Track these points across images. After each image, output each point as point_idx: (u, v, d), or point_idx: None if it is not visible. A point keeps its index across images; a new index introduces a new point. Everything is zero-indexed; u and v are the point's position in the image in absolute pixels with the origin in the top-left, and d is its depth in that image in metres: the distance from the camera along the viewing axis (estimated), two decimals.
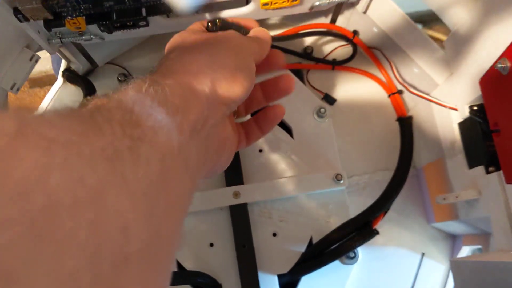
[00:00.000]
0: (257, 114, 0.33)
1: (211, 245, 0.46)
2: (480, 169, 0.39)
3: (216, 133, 0.25)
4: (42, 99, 0.54)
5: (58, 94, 0.53)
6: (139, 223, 0.15)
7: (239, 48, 0.26)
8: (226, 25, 0.30)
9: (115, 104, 0.18)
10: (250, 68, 0.26)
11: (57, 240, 0.12)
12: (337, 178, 0.46)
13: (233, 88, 0.24)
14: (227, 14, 0.45)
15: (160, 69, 0.24)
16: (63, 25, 0.40)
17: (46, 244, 0.11)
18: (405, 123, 0.50)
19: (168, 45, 0.29)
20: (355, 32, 0.52)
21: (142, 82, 0.20)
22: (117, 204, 0.14)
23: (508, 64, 0.32)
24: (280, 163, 0.49)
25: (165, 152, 0.18)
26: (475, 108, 0.39)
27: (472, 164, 0.40)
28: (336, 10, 0.51)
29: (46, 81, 1.29)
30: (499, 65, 0.32)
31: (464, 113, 0.40)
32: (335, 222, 0.47)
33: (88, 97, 0.19)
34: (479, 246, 0.45)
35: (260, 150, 0.49)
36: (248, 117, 0.34)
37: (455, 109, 0.42)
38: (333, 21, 0.53)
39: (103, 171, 0.14)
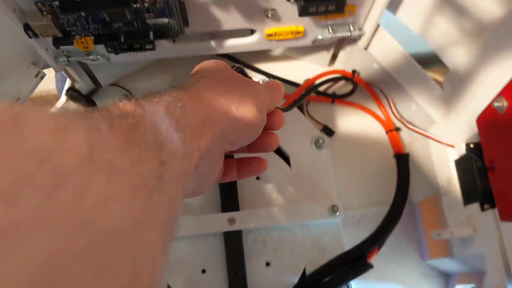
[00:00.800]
0: (242, 159, 0.34)
1: (203, 271, 0.46)
2: (475, 206, 0.39)
3: (210, 164, 0.26)
4: None
5: None
6: (163, 256, 0.16)
7: (261, 99, 0.28)
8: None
9: (149, 123, 0.18)
10: (263, 119, 0.27)
11: (107, 275, 0.12)
12: (333, 209, 0.46)
13: (244, 132, 0.26)
14: (233, 43, 0.46)
15: (191, 90, 0.24)
16: (72, 44, 0.41)
17: (101, 277, 0.12)
18: (402, 160, 0.51)
19: (202, 66, 0.29)
20: (354, 72, 0.54)
21: (173, 100, 0.21)
22: (151, 237, 0.15)
23: (505, 103, 0.32)
24: (276, 191, 0.49)
25: (177, 181, 0.18)
26: (471, 145, 0.39)
27: (467, 201, 0.41)
28: (338, 45, 0.52)
29: (48, 101, 1.30)
30: (496, 104, 0.33)
31: (461, 150, 0.40)
32: (330, 254, 0.46)
33: (122, 99, 0.19)
34: (473, 286, 0.45)
35: (257, 178, 0.49)
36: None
37: (452, 146, 0.43)
38: (335, 55, 0.55)
39: (143, 202, 0.15)
